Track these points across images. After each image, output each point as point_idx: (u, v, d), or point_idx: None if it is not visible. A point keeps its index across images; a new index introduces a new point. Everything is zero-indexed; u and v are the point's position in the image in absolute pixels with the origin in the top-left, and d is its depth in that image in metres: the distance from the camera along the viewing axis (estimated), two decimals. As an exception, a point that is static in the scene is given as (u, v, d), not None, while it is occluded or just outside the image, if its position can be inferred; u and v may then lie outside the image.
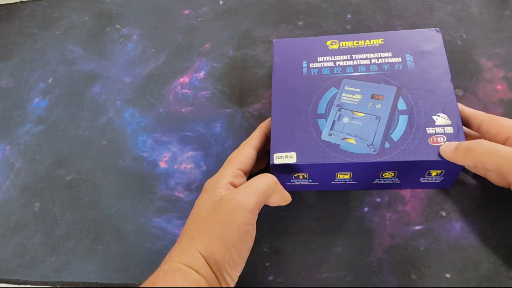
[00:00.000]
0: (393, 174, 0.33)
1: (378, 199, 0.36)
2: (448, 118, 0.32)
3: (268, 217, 0.37)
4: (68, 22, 0.55)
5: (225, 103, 0.44)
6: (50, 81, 0.50)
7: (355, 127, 0.33)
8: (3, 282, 0.39)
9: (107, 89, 0.48)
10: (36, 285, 0.38)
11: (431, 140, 0.31)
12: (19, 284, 0.39)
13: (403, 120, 0.33)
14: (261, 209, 0.34)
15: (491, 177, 0.33)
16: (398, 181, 0.34)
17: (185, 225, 0.31)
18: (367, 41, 0.37)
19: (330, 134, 0.33)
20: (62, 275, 0.38)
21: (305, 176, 0.34)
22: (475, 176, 0.35)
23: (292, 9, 0.49)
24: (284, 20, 0.48)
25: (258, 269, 0.35)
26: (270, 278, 0.35)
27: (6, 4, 0.58)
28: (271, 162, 0.33)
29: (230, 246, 0.28)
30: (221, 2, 0.52)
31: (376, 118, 0.33)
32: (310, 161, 0.32)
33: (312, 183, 0.35)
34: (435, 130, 0.32)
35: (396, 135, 0.32)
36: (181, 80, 0.47)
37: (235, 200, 0.29)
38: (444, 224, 0.34)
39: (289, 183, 0.35)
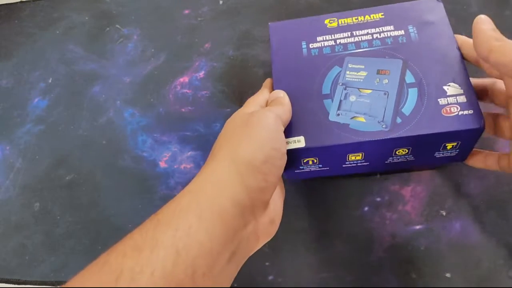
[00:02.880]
0: (406, 150, 0.31)
1: (378, 199, 0.36)
2: (460, 87, 0.30)
3: (268, 217, 0.37)
4: (68, 22, 0.55)
5: (225, 103, 0.44)
6: (50, 81, 0.50)
7: (363, 105, 0.32)
8: (3, 282, 0.39)
9: (107, 89, 0.48)
10: (36, 285, 0.38)
11: (445, 111, 0.30)
12: (19, 284, 0.39)
13: (413, 93, 0.31)
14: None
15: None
16: (412, 158, 0.32)
17: (215, 145, 0.29)
18: (367, 16, 0.36)
19: (338, 114, 0.31)
20: (62, 275, 0.38)
21: (315, 161, 0.32)
22: (475, 176, 0.35)
23: (292, 9, 0.49)
24: (284, 20, 0.48)
25: (258, 269, 0.35)
26: (270, 278, 0.35)
27: (6, 4, 0.58)
28: None
29: (262, 148, 0.26)
30: (221, 2, 0.52)
31: (384, 94, 0.32)
32: (319, 143, 0.30)
33: (322, 168, 0.33)
34: (447, 100, 0.30)
35: (407, 109, 0.30)
36: (181, 80, 0.47)
37: (263, 110, 0.29)
38: (444, 223, 0.34)
39: (298, 170, 0.34)
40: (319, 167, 0.33)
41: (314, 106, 0.32)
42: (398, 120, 0.30)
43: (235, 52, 0.47)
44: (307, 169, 0.34)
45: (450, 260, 0.33)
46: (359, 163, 0.33)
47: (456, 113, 0.29)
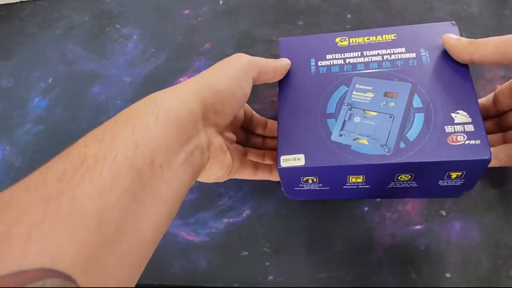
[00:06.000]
0: (409, 177, 0.31)
1: (378, 199, 0.36)
2: (468, 116, 0.30)
3: (268, 216, 0.37)
4: (68, 22, 0.55)
5: (225, 103, 0.44)
6: (50, 81, 0.50)
7: (367, 127, 0.31)
8: (3, 282, 0.39)
9: (107, 89, 0.48)
10: (36, 285, 0.38)
11: (450, 139, 0.29)
12: (19, 284, 0.39)
13: (419, 119, 0.30)
14: (261, 208, 0.34)
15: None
16: (415, 185, 0.32)
17: None
18: (379, 36, 0.36)
19: (341, 135, 0.31)
20: (62, 275, 0.38)
21: (315, 180, 0.32)
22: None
23: (292, 9, 0.49)
24: (284, 20, 0.48)
25: (258, 269, 0.35)
26: (270, 278, 0.35)
27: (6, 4, 0.58)
28: (278, 166, 0.31)
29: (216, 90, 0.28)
30: (221, 2, 0.52)
31: (390, 117, 0.31)
32: (319, 163, 0.30)
33: (322, 188, 0.33)
34: (454, 128, 0.29)
35: (412, 134, 0.30)
36: (181, 80, 0.47)
37: (239, 53, 0.31)
38: (444, 224, 0.34)
39: (297, 188, 0.33)
40: (319, 186, 0.33)
41: (317, 124, 0.32)
42: (402, 145, 0.30)
43: (235, 52, 0.47)
44: (307, 188, 0.33)
45: (450, 260, 0.33)
46: (360, 185, 0.32)
47: (462, 142, 0.29)
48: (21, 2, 0.58)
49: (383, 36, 0.36)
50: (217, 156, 0.28)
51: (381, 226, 0.35)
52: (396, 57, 0.34)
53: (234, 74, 0.29)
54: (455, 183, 0.31)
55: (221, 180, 0.33)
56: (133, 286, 0.21)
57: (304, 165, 0.30)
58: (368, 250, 0.34)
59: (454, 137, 0.29)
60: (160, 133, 0.23)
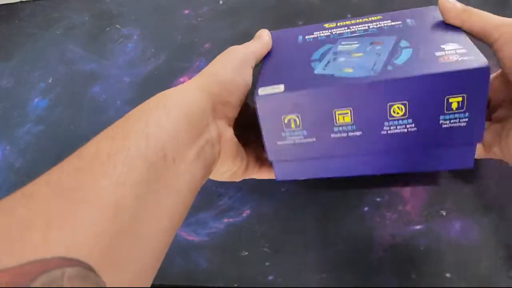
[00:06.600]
0: (403, 108, 0.28)
1: (378, 199, 0.36)
2: (459, 45, 0.28)
3: (268, 217, 0.37)
4: (68, 22, 0.55)
5: (225, 103, 0.44)
6: (50, 81, 0.50)
7: (353, 61, 0.30)
8: (3, 282, 0.39)
9: (107, 89, 0.48)
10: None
11: (442, 59, 0.27)
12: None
13: (407, 52, 0.29)
14: (261, 208, 0.34)
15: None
16: (414, 128, 0.29)
17: None
18: (365, 18, 0.36)
19: (325, 69, 0.30)
20: (62, 275, 0.38)
21: (297, 122, 0.30)
22: (476, 176, 0.35)
23: (292, 8, 0.49)
24: (284, 20, 0.49)
25: (258, 269, 0.35)
26: (270, 278, 0.35)
27: (6, 4, 0.58)
28: (255, 95, 0.29)
29: (222, 80, 0.29)
30: (221, 2, 0.52)
31: (376, 54, 0.30)
32: (300, 87, 0.29)
33: (307, 138, 0.30)
34: (445, 53, 0.28)
35: (400, 60, 0.28)
36: (181, 80, 0.47)
37: (234, 46, 0.32)
38: (444, 223, 0.34)
39: (280, 142, 0.31)
40: (304, 136, 0.30)
41: (300, 65, 0.31)
42: (389, 68, 0.28)
43: (235, 52, 0.47)
44: (290, 138, 0.30)
45: (450, 260, 0.33)
46: (350, 132, 0.29)
47: (456, 59, 0.27)
48: (21, 2, 0.58)
49: (370, 18, 0.36)
50: (228, 149, 0.28)
51: (381, 226, 0.35)
52: (383, 25, 0.34)
53: (236, 64, 0.30)
54: (459, 121, 0.28)
55: (237, 179, 0.32)
56: (153, 275, 0.21)
57: (283, 91, 0.29)
58: (368, 250, 0.34)
59: (446, 57, 0.27)
60: (171, 129, 0.24)
